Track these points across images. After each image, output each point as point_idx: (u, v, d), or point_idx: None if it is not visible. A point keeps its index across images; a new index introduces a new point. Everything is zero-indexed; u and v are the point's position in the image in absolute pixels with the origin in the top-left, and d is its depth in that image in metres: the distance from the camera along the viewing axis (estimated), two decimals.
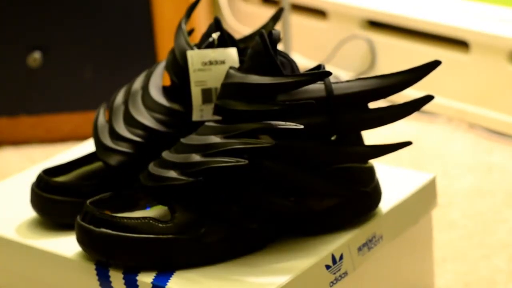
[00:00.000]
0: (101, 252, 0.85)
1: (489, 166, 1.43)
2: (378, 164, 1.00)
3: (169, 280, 0.83)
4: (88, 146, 1.12)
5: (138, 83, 0.99)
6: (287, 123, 0.83)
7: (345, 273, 0.88)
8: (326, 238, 0.88)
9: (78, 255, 0.88)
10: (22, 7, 1.58)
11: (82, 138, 1.56)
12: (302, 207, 0.87)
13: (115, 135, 0.95)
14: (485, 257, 1.16)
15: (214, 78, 0.94)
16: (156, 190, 0.86)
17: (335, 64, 1.81)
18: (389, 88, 0.85)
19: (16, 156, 1.60)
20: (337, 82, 0.86)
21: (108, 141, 0.94)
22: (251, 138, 0.84)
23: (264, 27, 1.01)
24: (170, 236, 0.84)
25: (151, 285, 0.83)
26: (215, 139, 0.85)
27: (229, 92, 0.87)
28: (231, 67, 0.89)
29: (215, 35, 0.95)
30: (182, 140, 0.89)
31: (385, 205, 0.94)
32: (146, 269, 0.85)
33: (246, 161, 0.83)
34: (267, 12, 1.91)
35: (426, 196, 1.00)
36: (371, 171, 0.91)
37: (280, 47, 1.68)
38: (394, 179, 0.99)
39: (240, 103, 0.86)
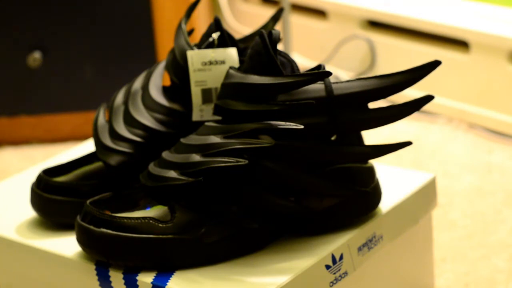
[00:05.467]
0: (101, 252, 0.85)
1: (489, 166, 1.43)
2: (378, 164, 1.00)
3: (169, 280, 0.83)
4: (88, 146, 1.12)
5: (138, 83, 0.99)
6: (287, 123, 0.83)
7: (345, 273, 0.88)
8: (326, 238, 0.88)
9: (78, 255, 0.88)
10: (22, 7, 1.57)
11: (82, 138, 1.56)
12: (302, 207, 0.87)
13: (115, 135, 0.95)
14: (485, 257, 1.16)
15: (214, 78, 0.94)
16: (156, 190, 0.86)
17: (335, 64, 1.81)
18: (389, 88, 0.85)
19: (16, 156, 1.60)
20: (337, 82, 0.86)
21: (108, 141, 0.94)
22: (251, 138, 0.84)
23: (264, 27, 1.01)
24: (170, 236, 0.84)
25: (151, 285, 0.83)
26: (215, 139, 0.85)
27: (229, 92, 0.87)
28: (231, 67, 0.89)
29: (215, 35, 0.95)
30: (182, 140, 0.89)
31: (385, 205, 0.94)
32: (146, 269, 0.85)
33: (246, 161, 0.83)
34: (267, 12, 1.91)
35: (426, 196, 1.00)
36: (371, 171, 0.91)
37: (280, 47, 1.68)
38: (394, 179, 0.99)
39: (240, 103, 0.86)
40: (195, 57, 0.94)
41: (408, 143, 0.88)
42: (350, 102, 0.85)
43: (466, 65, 1.61)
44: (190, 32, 1.01)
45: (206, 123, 0.89)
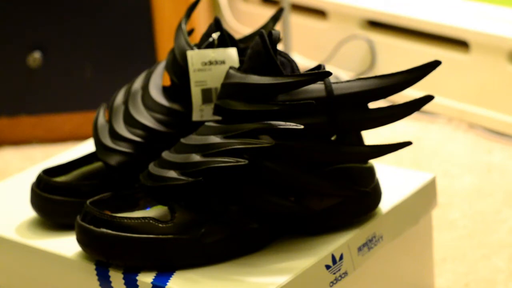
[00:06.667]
0: (101, 252, 0.85)
1: (488, 166, 1.43)
2: (378, 164, 1.00)
3: (169, 280, 0.83)
4: (88, 146, 1.12)
5: (138, 83, 0.99)
6: (287, 123, 0.83)
7: (345, 273, 0.88)
8: (326, 238, 0.88)
9: (78, 255, 0.88)
10: (22, 7, 1.58)
11: (82, 138, 1.56)
12: (302, 207, 0.87)
13: (115, 135, 0.95)
14: (485, 257, 1.16)
15: (214, 78, 0.94)
16: (156, 190, 0.86)
17: (335, 64, 1.81)
18: (389, 88, 0.85)
19: (16, 156, 1.60)
20: (337, 82, 0.86)
21: (108, 141, 0.94)
22: (251, 138, 0.84)
23: (264, 27, 1.01)
24: (170, 236, 0.84)
25: (151, 285, 0.83)
26: (215, 139, 0.85)
27: (229, 92, 0.87)
28: (231, 67, 0.89)
29: (215, 35, 0.95)
30: (182, 140, 0.89)
31: (385, 205, 0.94)
32: (146, 269, 0.85)
33: (246, 161, 0.83)
34: (267, 12, 1.91)
35: (426, 196, 1.00)
36: (371, 171, 0.91)
37: (280, 47, 1.68)
38: (394, 179, 0.99)
39: (240, 103, 0.86)
40: (195, 57, 0.94)
41: (408, 143, 0.88)
42: (350, 102, 0.85)
43: (466, 65, 1.61)
44: (190, 32, 1.01)
45: (206, 123, 0.89)
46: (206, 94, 0.94)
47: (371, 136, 1.47)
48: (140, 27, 1.59)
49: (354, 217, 0.90)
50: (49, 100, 1.62)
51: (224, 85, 0.88)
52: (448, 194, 1.34)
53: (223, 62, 0.94)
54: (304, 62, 1.83)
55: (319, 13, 1.88)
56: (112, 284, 0.86)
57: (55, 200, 0.93)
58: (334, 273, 0.87)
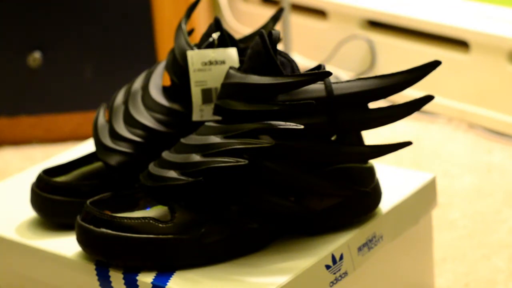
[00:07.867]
0: (101, 252, 0.85)
1: (488, 166, 1.43)
2: (378, 164, 1.00)
3: (169, 280, 0.83)
4: (88, 146, 1.12)
5: (138, 83, 0.99)
6: (287, 123, 0.83)
7: (345, 273, 0.88)
8: (326, 238, 0.88)
9: (78, 255, 0.88)
10: (22, 7, 1.58)
11: (82, 138, 1.56)
12: (302, 207, 0.87)
13: (115, 135, 0.95)
14: (485, 257, 1.16)
15: (214, 78, 0.94)
16: (156, 190, 0.86)
17: (335, 64, 1.81)
18: (389, 88, 0.85)
19: (16, 156, 1.60)
20: (337, 82, 0.86)
21: (108, 141, 0.94)
22: (251, 138, 0.84)
23: (264, 27, 1.01)
24: (170, 236, 0.84)
25: (151, 285, 0.83)
26: (215, 139, 0.85)
27: (229, 92, 0.87)
28: (231, 67, 0.89)
29: (215, 35, 0.95)
30: (182, 140, 0.89)
31: (385, 205, 0.94)
32: (146, 269, 0.85)
33: (246, 161, 0.83)
34: (267, 12, 1.91)
35: (426, 196, 1.00)
36: (371, 171, 0.91)
37: (280, 47, 1.68)
38: (394, 179, 0.99)
39: (240, 103, 0.86)
40: (195, 57, 0.94)
41: (408, 143, 0.88)
42: (350, 102, 0.85)
43: (466, 65, 1.61)
44: (190, 32, 1.01)
45: (206, 123, 0.89)
46: (206, 94, 0.94)
47: (371, 136, 1.47)
48: (140, 27, 1.59)
49: (354, 217, 0.90)
50: (49, 100, 1.62)
51: (224, 85, 0.88)
52: (448, 194, 1.34)
53: (223, 62, 0.94)
54: (304, 62, 1.83)
55: (319, 13, 1.88)
56: (112, 284, 0.86)
57: (55, 200, 0.93)
58: (334, 273, 0.87)
